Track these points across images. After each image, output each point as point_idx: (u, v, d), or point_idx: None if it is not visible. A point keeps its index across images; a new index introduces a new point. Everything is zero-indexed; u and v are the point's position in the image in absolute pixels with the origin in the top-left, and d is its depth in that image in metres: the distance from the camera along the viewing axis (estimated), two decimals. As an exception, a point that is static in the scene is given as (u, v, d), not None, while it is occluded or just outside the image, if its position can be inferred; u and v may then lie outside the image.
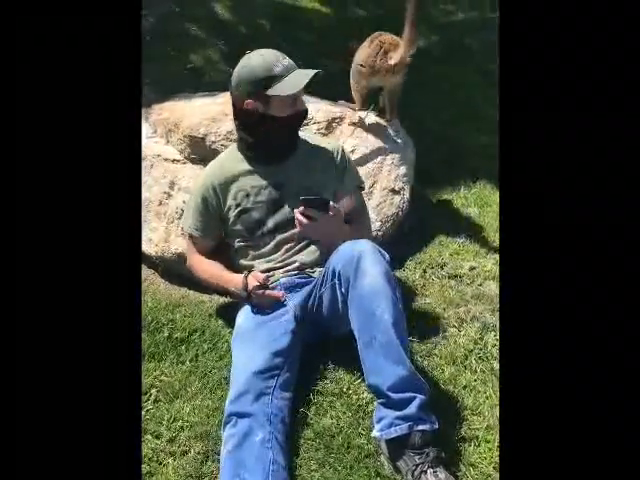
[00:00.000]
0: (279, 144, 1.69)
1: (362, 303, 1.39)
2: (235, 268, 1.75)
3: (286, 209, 1.68)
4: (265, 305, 1.61)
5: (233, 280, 1.67)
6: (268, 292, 1.60)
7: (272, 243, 1.69)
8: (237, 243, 1.73)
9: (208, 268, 1.76)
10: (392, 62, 2.04)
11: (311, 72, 1.58)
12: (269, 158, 1.70)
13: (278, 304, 1.61)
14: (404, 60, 2.04)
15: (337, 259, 1.49)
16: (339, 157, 1.77)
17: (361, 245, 1.45)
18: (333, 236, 1.62)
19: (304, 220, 1.59)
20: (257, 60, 1.60)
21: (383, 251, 1.46)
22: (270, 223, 1.68)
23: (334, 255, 1.52)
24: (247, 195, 1.69)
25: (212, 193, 1.71)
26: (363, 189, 1.87)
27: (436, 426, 1.31)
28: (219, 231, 1.76)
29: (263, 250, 1.71)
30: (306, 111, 1.69)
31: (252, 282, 1.60)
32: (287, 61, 1.61)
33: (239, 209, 1.69)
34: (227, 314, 1.86)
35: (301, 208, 1.59)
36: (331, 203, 1.60)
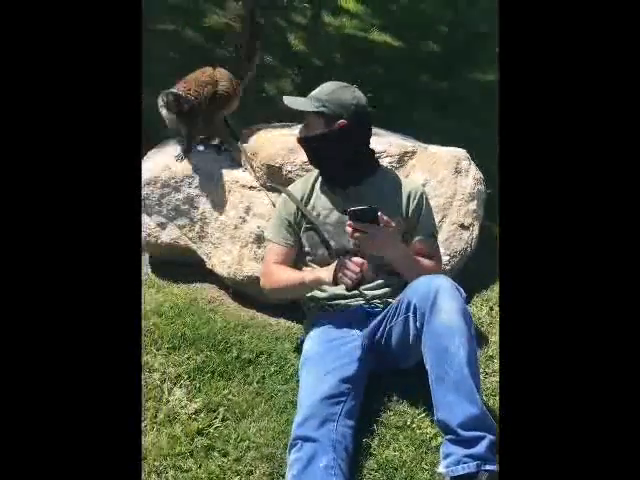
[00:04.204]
0: (359, 163, 1.75)
1: (437, 338, 1.40)
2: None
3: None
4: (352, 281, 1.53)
5: (321, 272, 1.64)
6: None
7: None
8: (307, 259, 1.78)
9: (284, 271, 1.76)
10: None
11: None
12: (347, 180, 1.75)
13: (347, 332, 1.64)
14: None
15: (412, 292, 1.50)
16: (417, 198, 1.75)
17: (438, 280, 1.46)
18: (386, 249, 1.60)
19: (355, 233, 1.54)
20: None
21: (460, 288, 1.47)
22: (333, 246, 1.71)
23: (409, 288, 1.54)
24: (318, 215, 1.75)
25: (289, 204, 1.78)
26: (436, 238, 1.83)
27: (503, 467, 1.30)
28: (295, 243, 1.78)
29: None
30: None
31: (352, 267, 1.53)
32: None
33: (308, 226, 1.75)
34: (293, 339, 1.91)
35: (350, 222, 1.54)
36: (380, 214, 1.53)
